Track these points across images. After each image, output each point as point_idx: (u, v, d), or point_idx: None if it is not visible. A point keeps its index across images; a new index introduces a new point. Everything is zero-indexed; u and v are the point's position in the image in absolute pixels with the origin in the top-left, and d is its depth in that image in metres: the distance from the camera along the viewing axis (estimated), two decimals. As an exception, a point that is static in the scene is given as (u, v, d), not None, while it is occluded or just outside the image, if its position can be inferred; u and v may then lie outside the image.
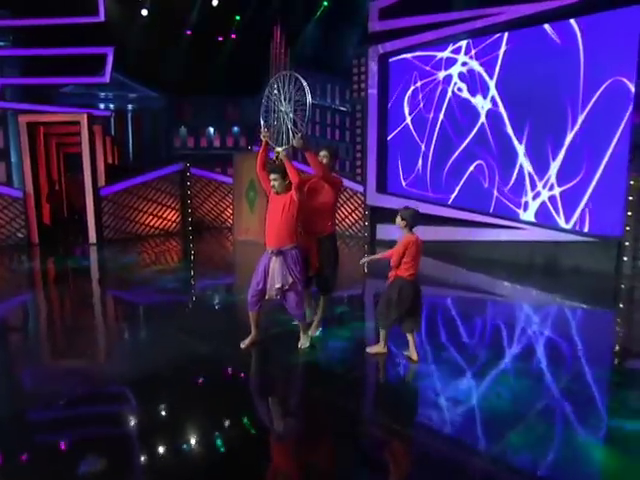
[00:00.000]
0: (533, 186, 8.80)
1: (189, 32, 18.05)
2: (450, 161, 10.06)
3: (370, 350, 4.56)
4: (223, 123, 18.57)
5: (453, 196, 10.09)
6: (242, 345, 4.63)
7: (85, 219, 11.20)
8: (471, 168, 9.71)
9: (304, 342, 4.63)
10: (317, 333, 4.97)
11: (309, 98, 4.19)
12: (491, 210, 9.45)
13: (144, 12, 15.10)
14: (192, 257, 10.60)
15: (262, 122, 4.55)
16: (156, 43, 15.81)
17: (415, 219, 4.20)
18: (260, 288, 4.44)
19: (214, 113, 18.30)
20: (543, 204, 8.68)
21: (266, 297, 4.46)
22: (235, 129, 18.17)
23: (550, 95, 8.38)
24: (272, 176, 4.33)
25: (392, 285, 4.33)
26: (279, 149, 4.41)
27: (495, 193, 9.37)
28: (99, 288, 8.08)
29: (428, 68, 10.18)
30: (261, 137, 4.47)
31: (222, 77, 16.66)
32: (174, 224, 13.13)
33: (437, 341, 5.14)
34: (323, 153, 4.69)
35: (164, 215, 12.84)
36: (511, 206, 9.15)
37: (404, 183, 10.95)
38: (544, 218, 8.65)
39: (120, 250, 10.74)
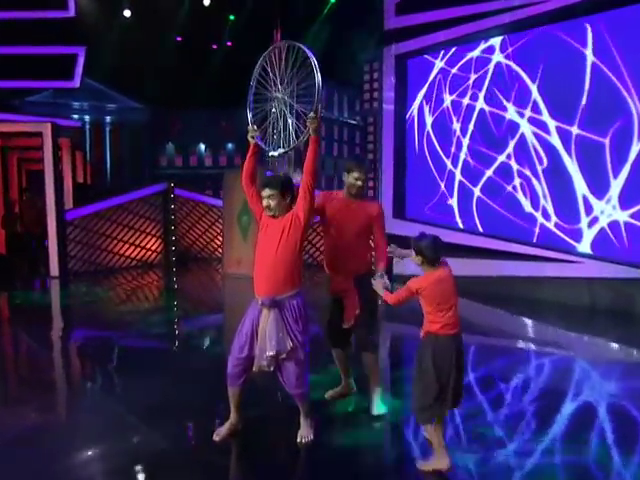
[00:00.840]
0: (589, 210, 7.74)
1: (179, 39, 17.41)
2: (483, 180, 9.03)
3: (424, 467, 3.17)
4: (216, 139, 17.69)
5: (486, 222, 9.01)
6: (215, 437, 3.47)
7: (46, 248, 10.16)
8: (509, 188, 8.67)
9: (305, 433, 3.49)
10: (382, 410, 3.98)
11: (318, 78, 3.18)
12: (534, 239, 8.36)
13: (127, 13, 14.41)
14: (172, 295, 9.58)
15: (249, 116, 3.63)
16: (141, 48, 15.06)
17: (436, 251, 3.20)
18: (245, 355, 3.37)
19: (206, 128, 17.45)
20: (602, 232, 7.58)
21: (254, 368, 3.39)
22: (229, 146, 17.31)
23: (608, 99, 7.37)
24: (265, 192, 3.34)
25: (421, 350, 3.18)
26: (274, 153, 3.48)
27: (539, 219, 8.31)
28: (49, 334, 7.00)
29: (455, 70, 9.26)
30: (248, 137, 3.53)
31: (215, 88, 15.89)
32: (155, 254, 12.12)
33: (481, 421, 3.93)
34: (356, 175, 3.80)
35: (143, 244, 11.85)
36: (560, 234, 8.07)
37: (426, 207, 9.91)
38: (604, 249, 7.54)
39: (87, 285, 9.76)
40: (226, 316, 8.35)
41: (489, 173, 8.92)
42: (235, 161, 16.31)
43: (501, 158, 8.73)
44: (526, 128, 8.37)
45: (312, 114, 3.19)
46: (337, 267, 3.90)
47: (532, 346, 6.50)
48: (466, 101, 9.11)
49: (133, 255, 11.72)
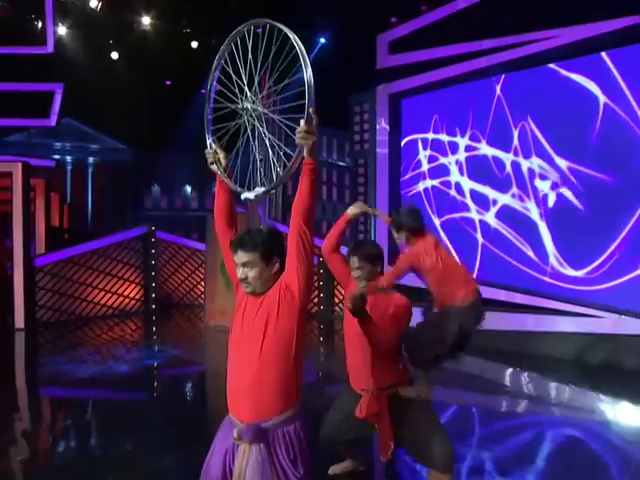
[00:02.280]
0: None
1: (168, 82, 16.51)
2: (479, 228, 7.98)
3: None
4: (202, 182, 16.61)
5: (489, 270, 7.90)
6: None
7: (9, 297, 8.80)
8: (510, 236, 7.60)
9: None
10: None
11: (309, 73, 1.90)
12: (545, 290, 7.25)
13: (114, 55, 13.45)
14: (149, 350, 8.17)
15: (208, 135, 2.33)
16: (127, 90, 14.12)
17: (416, 218, 3.21)
18: None
19: (192, 170, 16.40)
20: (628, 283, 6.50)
21: None
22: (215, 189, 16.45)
23: (618, 138, 6.39)
24: (239, 257, 2.07)
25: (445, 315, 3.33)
26: (249, 195, 2.11)
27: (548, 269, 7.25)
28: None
29: (451, 110, 8.31)
30: (208, 164, 2.29)
31: (202, 130, 14.95)
32: (134, 302, 10.79)
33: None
34: (357, 265, 3.02)
35: (121, 291, 10.53)
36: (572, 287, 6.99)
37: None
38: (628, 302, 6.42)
39: (53, 338, 8.36)
40: (207, 378, 7.05)
41: (490, 217, 7.88)
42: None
43: (504, 199, 7.71)
44: (526, 168, 7.40)
45: (303, 125, 1.90)
46: (359, 380, 2.95)
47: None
48: (464, 141, 8.15)
49: (110, 303, 10.40)
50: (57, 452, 4.45)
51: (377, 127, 9.41)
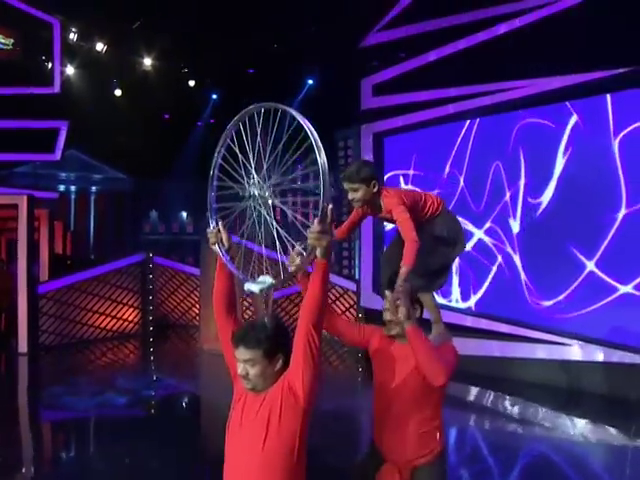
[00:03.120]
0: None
1: (167, 116, 16.63)
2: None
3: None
4: (197, 208, 16.70)
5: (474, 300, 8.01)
6: None
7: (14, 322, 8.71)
8: (493, 266, 7.71)
9: None
10: None
11: (323, 160, 1.69)
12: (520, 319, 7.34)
13: (118, 92, 13.56)
14: (145, 372, 8.07)
15: (211, 215, 2.12)
16: (128, 123, 14.21)
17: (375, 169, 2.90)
18: None
19: (188, 197, 16.51)
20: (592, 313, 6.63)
21: None
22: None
23: (582, 175, 6.60)
24: (240, 353, 1.86)
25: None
26: (253, 287, 1.90)
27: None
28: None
29: (432, 149, 8.46)
30: (210, 245, 2.10)
31: (197, 161, 15.03)
32: (132, 325, 10.72)
33: None
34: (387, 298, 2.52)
35: (120, 315, 10.47)
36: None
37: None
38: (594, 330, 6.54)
39: (55, 362, 8.24)
40: (201, 401, 6.99)
41: (467, 248, 8.00)
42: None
43: (479, 234, 7.85)
44: (499, 206, 7.56)
45: (316, 225, 1.69)
46: (383, 446, 2.40)
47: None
48: (442, 179, 8.32)
49: (109, 327, 10.33)
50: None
51: (362, 157, 9.52)
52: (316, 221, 1.71)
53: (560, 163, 6.96)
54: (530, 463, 4.94)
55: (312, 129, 1.76)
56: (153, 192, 16.77)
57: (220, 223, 2.08)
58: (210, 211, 2.11)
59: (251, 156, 1.98)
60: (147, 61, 12.17)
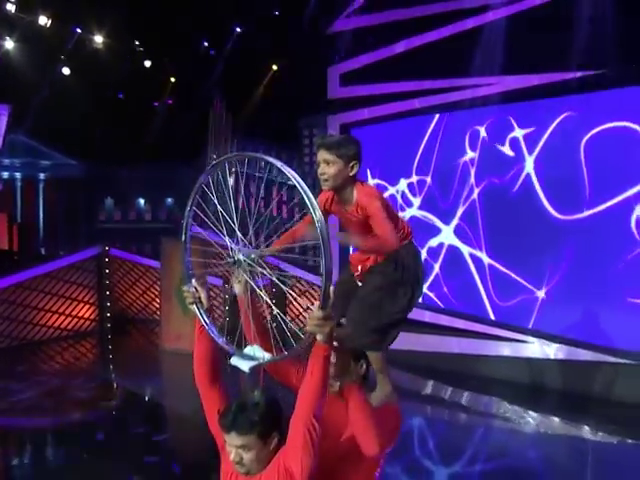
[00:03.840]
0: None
1: (121, 95, 15.68)
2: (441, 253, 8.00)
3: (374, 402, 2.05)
4: (155, 194, 15.95)
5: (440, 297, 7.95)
6: None
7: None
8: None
9: None
10: None
11: (318, 214, 1.51)
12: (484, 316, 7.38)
13: (66, 71, 12.60)
14: (103, 375, 7.67)
15: (187, 280, 1.90)
16: (78, 105, 13.29)
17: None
18: None
19: (145, 183, 15.73)
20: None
21: None
22: (168, 200, 15.62)
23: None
24: (232, 439, 1.66)
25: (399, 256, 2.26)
26: (242, 365, 1.72)
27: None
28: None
29: (400, 142, 8.26)
30: (187, 304, 1.90)
31: (154, 144, 14.34)
32: (88, 322, 10.18)
33: None
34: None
35: (75, 312, 9.91)
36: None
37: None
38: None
39: (3, 367, 7.71)
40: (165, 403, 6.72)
41: (433, 243, 7.94)
42: (175, 215, 14.72)
43: (447, 231, 7.78)
44: (467, 201, 7.49)
45: (318, 311, 1.53)
46: None
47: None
48: (411, 173, 8.17)
49: (63, 325, 9.76)
50: None
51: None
52: (317, 306, 1.53)
53: (529, 162, 6.93)
54: (488, 455, 5.31)
55: (305, 188, 1.52)
56: (107, 178, 15.82)
57: (196, 283, 1.86)
58: (186, 275, 1.89)
59: (235, 216, 1.76)
60: (98, 38, 11.33)
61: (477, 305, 7.52)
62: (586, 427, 5.78)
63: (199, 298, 1.86)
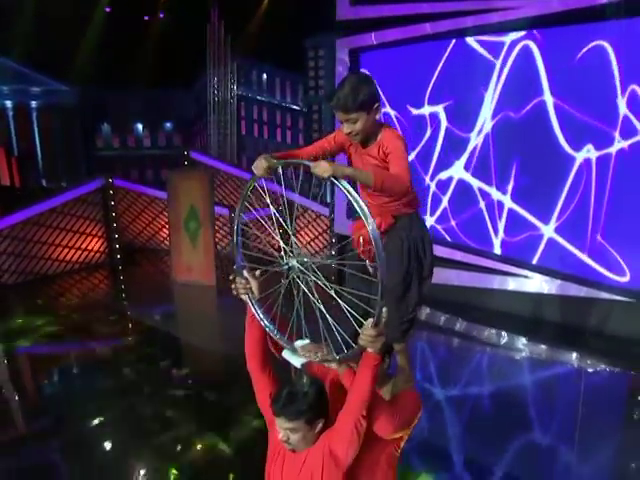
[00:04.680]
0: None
1: (108, 9, 14.59)
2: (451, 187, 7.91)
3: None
4: (153, 119, 15.31)
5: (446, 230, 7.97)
6: None
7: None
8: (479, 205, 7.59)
9: None
10: None
11: (371, 225, 1.56)
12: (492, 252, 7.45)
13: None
14: (118, 307, 7.87)
15: (237, 256, 1.98)
16: (66, 25, 12.37)
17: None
18: None
19: (142, 107, 15.07)
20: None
21: None
22: (167, 125, 15.05)
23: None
24: (281, 423, 1.83)
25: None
26: (294, 360, 1.87)
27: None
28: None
29: (411, 69, 7.84)
30: (239, 295, 1.95)
31: (150, 65, 13.55)
32: (98, 254, 10.32)
33: None
34: None
35: (84, 246, 9.99)
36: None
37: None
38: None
39: (16, 301, 7.91)
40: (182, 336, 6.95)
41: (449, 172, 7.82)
42: (174, 141, 14.26)
43: (458, 165, 7.63)
44: (483, 134, 7.27)
45: (371, 329, 1.63)
46: None
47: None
48: (424, 101, 7.83)
49: (74, 259, 9.90)
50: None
51: (335, 79, 8.81)
52: (370, 324, 1.62)
53: (548, 95, 6.62)
54: (485, 378, 5.83)
55: (358, 199, 1.57)
56: (102, 103, 15.12)
57: (249, 273, 1.93)
58: (238, 267, 1.97)
59: (278, 227, 1.83)
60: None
61: (484, 240, 7.58)
62: (578, 355, 6.19)
63: (250, 289, 1.93)
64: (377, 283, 1.60)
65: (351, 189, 1.56)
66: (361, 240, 2.06)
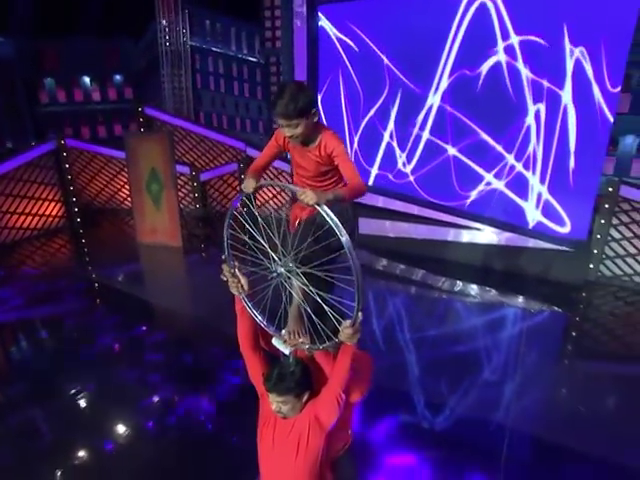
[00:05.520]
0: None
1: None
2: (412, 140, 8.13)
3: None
4: (101, 71, 14.39)
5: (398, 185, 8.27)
6: None
7: None
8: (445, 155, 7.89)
9: None
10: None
11: (356, 265, 1.87)
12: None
13: None
14: (83, 273, 7.87)
15: (229, 263, 2.28)
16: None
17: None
18: None
19: (88, 59, 14.13)
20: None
21: None
22: (117, 78, 14.20)
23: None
24: (273, 398, 2.23)
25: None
26: (283, 348, 2.22)
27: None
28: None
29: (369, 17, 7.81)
30: (231, 289, 2.26)
31: (94, 13, 12.66)
32: (57, 219, 10.15)
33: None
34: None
35: (41, 211, 9.77)
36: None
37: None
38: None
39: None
40: (152, 300, 7.09)
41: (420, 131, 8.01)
42: (125, 94, 13.55)
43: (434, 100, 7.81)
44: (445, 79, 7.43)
45: (349, 328, 2.02)
46: None
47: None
48: (385, 63, 7.87)
49: (33, 225, 9.67)
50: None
51: (294, 26, 8.55)
52: (348, 324, 2.01)
53: (501, 52, 6.80)
54: (438, 320, 6.44)
55: (336, 222, 1.86)
56: (44, 54, 14.03)
57: (237, 268, 2.22)
58: (225, 256, 2.25)
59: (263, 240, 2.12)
60: None
61: (441, 194, 7.95)
62: (523, 299, 6.89)
63: (241, 285, 2.24)
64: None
65: (330, 213, 1.88)
66: (297, 222, 2.38)
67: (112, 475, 3.84)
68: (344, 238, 1.84)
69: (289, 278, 2.11)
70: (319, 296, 2.05)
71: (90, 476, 3.86)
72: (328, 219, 1.85)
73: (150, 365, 5.25)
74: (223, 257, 2.25)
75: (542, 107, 6.63)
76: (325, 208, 1.87)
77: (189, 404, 4.57)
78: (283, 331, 2.22)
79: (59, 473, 3.81)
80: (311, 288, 2.06)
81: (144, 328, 6.17)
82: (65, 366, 5.25)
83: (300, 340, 2.19)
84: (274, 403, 2.22)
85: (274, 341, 2.22)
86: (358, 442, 3.31)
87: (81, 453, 4.07)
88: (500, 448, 3.96)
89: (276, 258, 2.11)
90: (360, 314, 1.98)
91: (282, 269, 2.11)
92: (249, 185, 2.10)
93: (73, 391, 4.87)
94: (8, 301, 6.83)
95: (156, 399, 4.70)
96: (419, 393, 4.70)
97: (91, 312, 6.55)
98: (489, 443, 4.03)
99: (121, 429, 4.36)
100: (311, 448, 2.25)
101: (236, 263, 2.23)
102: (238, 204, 2.17)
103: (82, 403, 4.70)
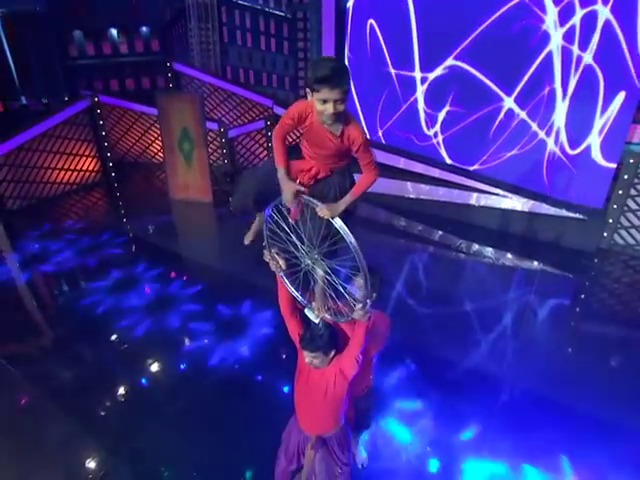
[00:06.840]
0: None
1: None
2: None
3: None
4: (128, 23, 14.44)
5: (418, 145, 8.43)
6: None
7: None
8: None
9: None
10: None
11: (352, 240, 2.36)
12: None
13: None
14: (121, 228, 8.41)
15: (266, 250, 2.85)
16: None
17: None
18: (292, 469, 3.27)
19: (114, 10, 14.20)
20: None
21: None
22: (144, 30, 14.20)
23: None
24: (307, 354, 2.85)
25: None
26: (313, 317, 2.78)
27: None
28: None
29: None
30: (272, 268, 2.82)
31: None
32: (93, 174, 10.72)
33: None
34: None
35: (78, 167, 10.35)
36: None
37: (380, 127, 9.05)
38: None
39: (24, 226, 8.44)
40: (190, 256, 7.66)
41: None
42: (152, 46, 13.65)
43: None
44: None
45: (360, 310, 2.56)
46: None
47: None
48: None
49: (71, 180, 10.30)
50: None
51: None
52: (359, 307, 2.55)
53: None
54: (459, 278, 6.92)
55: (347, 232, 2.34)
56: (71, 7, 14.09)
57: (273, 250, 2.70)
58: (266, 242, 2.78)
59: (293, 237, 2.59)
60: None
61: (465, 158, 8.18)
62: (534, 263, 7.25)
63: (280, 266, 2.75)
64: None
65: (344, 227, 2.36)
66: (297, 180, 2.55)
67: (158, 410, 4.49)
68: (352, 243, 2.31)
69: (314, 268, 2.60)
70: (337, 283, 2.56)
71: (134, 409, 4.44)
72: (342, 232, 2.33)
73: (189, 315, 5.88)
74: (264, 244, 2.77)
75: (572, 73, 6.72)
76: (339, 222, 2.34)
77: (227, 351, 5.20)
78: (313, 303, 2.75)
79: (107, 404, 4.49)
80: (332, 277, 2.57)
81: (183, 279, 6.78)
82: (112, 315, 5.91)
83: (324, 314, 2.72)
84: (307, 357, 2.83)
85: (306, 311, 2.77)
86: (374, 387, 3.89)
87: (125, 390, 4.76)
88: (498, 396, 4.52)
89: (303, 252, 2.60)
90: (369, 301, 2.50)
91: (308, 261, 2.59)
92: (290, 199, 2.43)
93: (118, 336, 5.53)
94: (59, 253, 7.52)
95: (196, 345, 5.35)
96: (429, 346, 5.24)
97: (133, 264, 7.17)
98: (489, 391, 4.57)
99: (166, 370, 5.02)
100: (337, 393, 2.89)
101: (274, 250, 2.73)
102: (271, 212, 2.63)
103: (128, 346, 5.37)
